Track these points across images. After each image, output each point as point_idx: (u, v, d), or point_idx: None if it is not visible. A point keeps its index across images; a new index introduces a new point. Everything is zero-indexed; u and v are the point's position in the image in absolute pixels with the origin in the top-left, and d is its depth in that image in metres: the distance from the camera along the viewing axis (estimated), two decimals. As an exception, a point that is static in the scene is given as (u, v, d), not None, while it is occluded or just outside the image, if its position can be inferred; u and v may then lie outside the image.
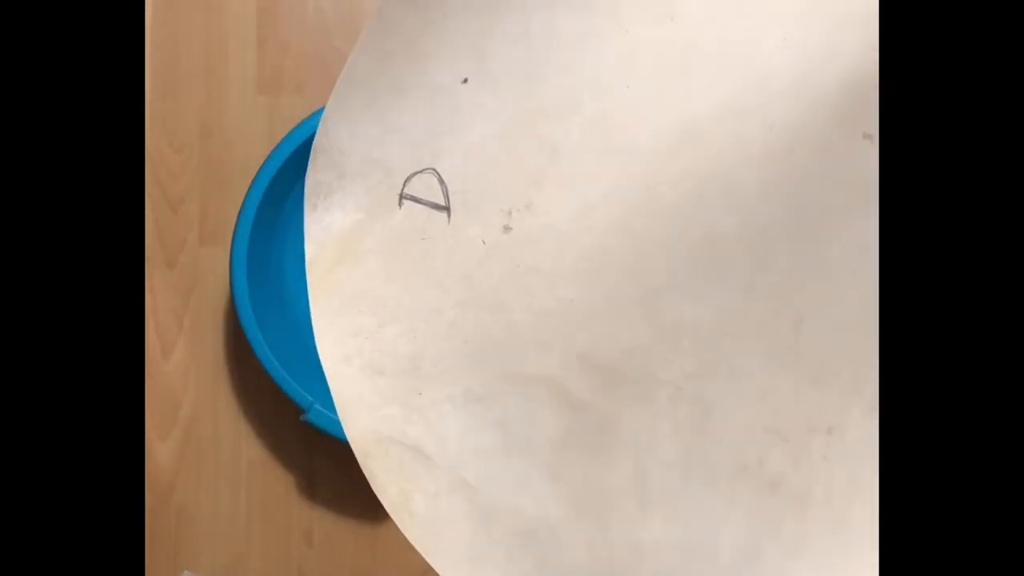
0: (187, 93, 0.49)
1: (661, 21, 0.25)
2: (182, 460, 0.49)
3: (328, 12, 0.49)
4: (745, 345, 0.26)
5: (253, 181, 0.44)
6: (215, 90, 0.49)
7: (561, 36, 0.26)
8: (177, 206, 0.49)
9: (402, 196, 0.26)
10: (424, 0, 0.25)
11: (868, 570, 0.25)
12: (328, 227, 0.26)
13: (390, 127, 0.26)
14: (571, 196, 0.26)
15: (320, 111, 0.45)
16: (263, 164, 0.45)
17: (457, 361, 0.26)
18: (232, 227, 0.44)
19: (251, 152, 0.48)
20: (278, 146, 0.44)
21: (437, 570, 0.26)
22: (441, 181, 0.26)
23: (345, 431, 0.26)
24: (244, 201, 0.44)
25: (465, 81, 0.26)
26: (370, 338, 0.27)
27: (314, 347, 0.26)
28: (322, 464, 0.49)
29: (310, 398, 0.44)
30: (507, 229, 0.26)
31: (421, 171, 0.26)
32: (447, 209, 0.26)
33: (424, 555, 0.26)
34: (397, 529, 0.26)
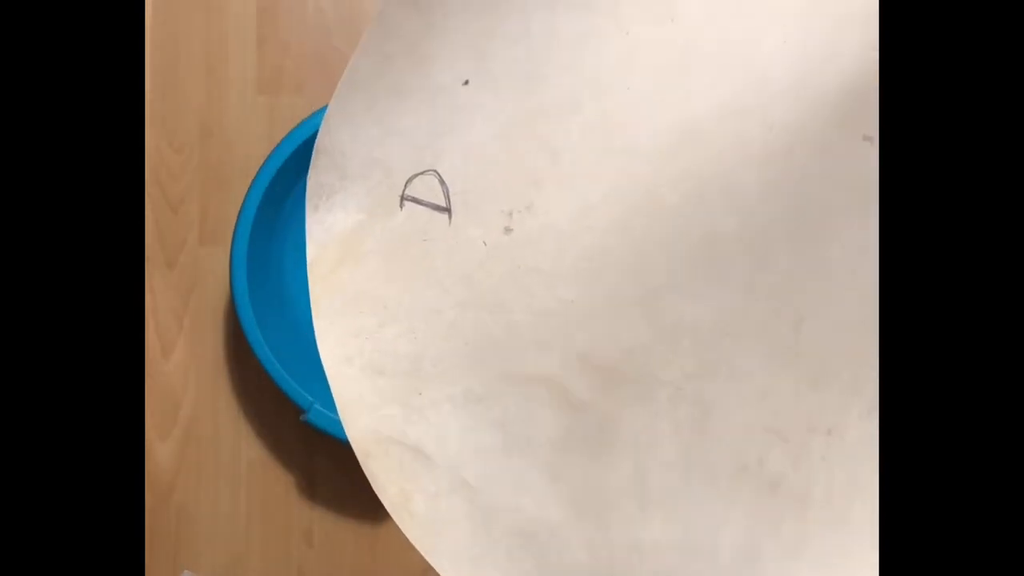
0: (187, 93, 0.49)
1: (661, 21, 0.26)
2: (182, 460, 0.49)
3: (328, 12, 0.49)
4: (745, 345, 0.26)
5: (253, 181, 0.44)
6: (215, 90, 0.49)
7: (561, 36, 0.26)
8: (177, 206, 0.49)
9: (403, 197, 0.26)
10: (425, 1, 0.25)
11: (868, 570, 0.25)
12: (330, 228, 0.27)
13: (391, 129, 0.26)
14: (571, 196, 0.26)
15: (320, 111, 0.45)
16: (263, 164, 0.45)
17: (457, 361, 0.26)
18: (232, 227, 0.44)
19: (251, 152, 0.48)
20: (278, 146, 0.44)
21: (437, 570, 0.26)
22: (442, 182, 0.26)
23: (346, 431, 0.26)
24: (244, 201, 0.44)
25: (466, 83, 0.26)
26: (371, 338, 0.27)
27: (314, 347, 0.26)
28: (322, 464, 0.49)
29: (310, 398, 0.44)
30: (508, 230, 0.26)
31: (422, 172, 0.26)
32: (448, 210, 0.26)
33: (424, 555, 0.26)
34: (397, 529, 0.26)
